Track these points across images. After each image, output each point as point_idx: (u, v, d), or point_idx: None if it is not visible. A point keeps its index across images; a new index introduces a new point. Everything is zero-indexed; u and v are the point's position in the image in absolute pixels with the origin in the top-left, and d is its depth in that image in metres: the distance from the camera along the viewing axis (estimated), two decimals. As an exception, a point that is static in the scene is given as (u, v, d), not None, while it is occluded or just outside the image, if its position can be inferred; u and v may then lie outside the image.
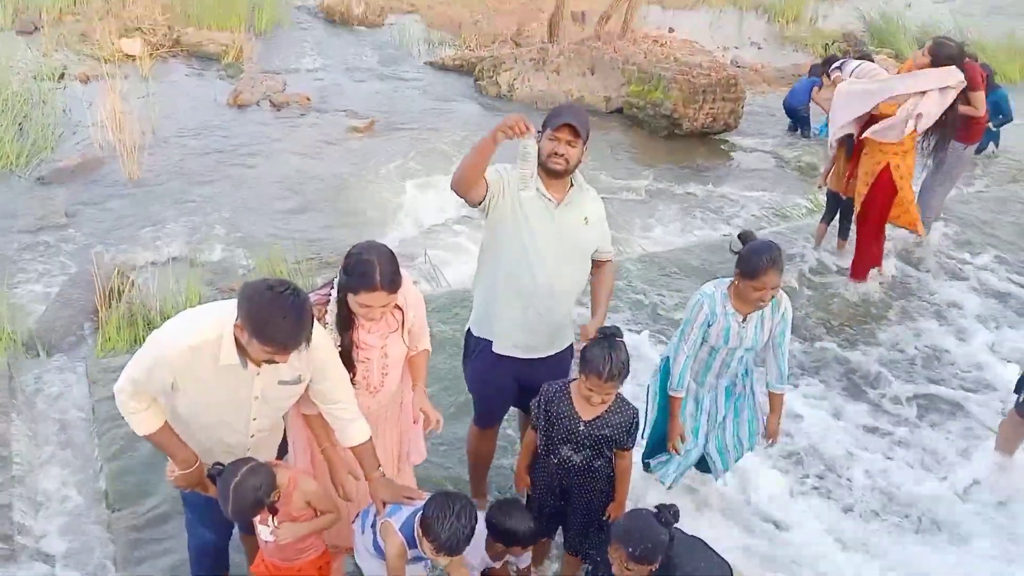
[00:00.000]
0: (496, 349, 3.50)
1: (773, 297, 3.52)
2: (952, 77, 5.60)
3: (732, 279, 3.58)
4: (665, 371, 3.79)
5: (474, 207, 3.33)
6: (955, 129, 6.03)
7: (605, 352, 3.12)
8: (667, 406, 3.82)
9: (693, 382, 3.82)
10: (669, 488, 3.93)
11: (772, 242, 3.51)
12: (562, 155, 3.26)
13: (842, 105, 5.91)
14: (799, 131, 10.20)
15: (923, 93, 5.61)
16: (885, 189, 5.88)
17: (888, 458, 4.70)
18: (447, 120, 9.95)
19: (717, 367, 3.75)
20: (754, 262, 3.42)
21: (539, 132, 3.30)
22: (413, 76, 11.48)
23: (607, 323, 3.32)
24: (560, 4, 11.35)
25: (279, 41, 12.35)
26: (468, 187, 3.23)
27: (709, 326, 3.61)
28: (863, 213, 6.05)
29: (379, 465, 3.07)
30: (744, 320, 3.59)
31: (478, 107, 10.46)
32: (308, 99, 10.19)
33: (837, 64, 8.99)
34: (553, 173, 3.29)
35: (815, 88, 9.86)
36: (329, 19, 13.50)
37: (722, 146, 9.90)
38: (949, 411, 5.13)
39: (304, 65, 11.54)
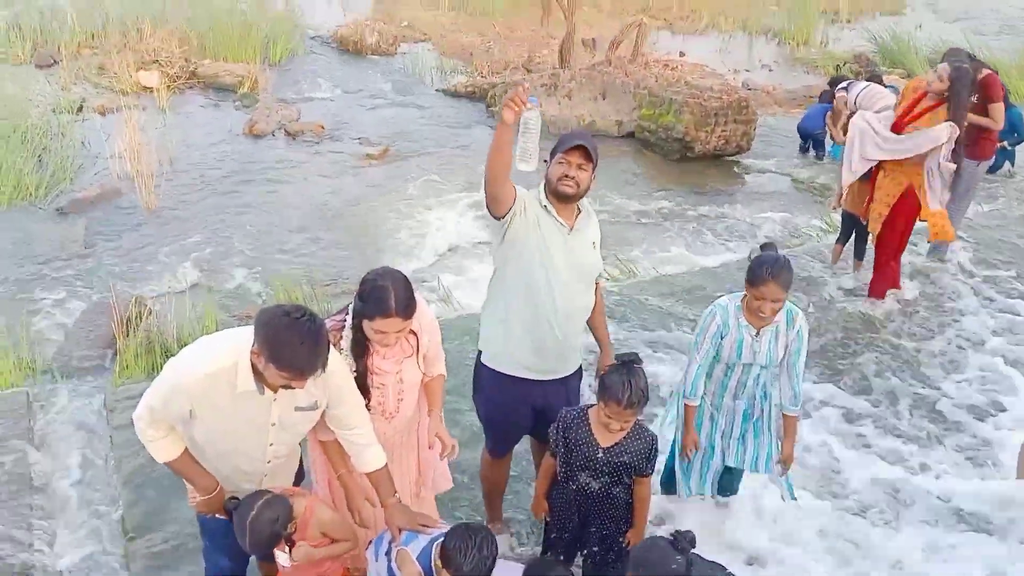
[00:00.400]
0: (510, 371, 3.47)
1: (775, 312, 3.50)
2: (949, 132, 5.53)
3: (744, 295, 3.59)
4: (682, 395, 3.79)
5: (497, 218, 3.27)
6: (965, 146, 5.97)
7: (624, 379, 3.10)
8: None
9: (710, 404, 3.81)
10: (688, 497, 3.94)
11: (782, 257, 3.51)
12: (573, 178, 3.25)
13: (856, 148, 5.85)
14: (813, 153, 10.19)
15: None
16: (907, 209, 5.84)
17: (909, 473, 4.64)
18: (460, 146, 10.02)
19: (733, 386, 3.73)
20: (755, 271, 3.47)
21: (547, 160, 3.31)
22: (426, 103, 11.58)
23: (623, 349, 3.32)
24: (571, 30, 11.43)
25: (293, 71, 12.49)
26: (497, 182, 3.13)
27: (722, 338, 3.60)
28: (883, 233, 5.99)
29: (395, 491, 3.06)
30: (758, 334, 3.57)
31: (490, 132, 10.46)
32: (322, 127, 10.28)
33: (843, 85, 9.01)
34: (564, 197, 3.29)
35: (828, 113, 9.88)
36: (343, 49, 13.65)
37: (735, 168, 9.91)
38: (969, 431, 5.07)
39: (318, 94, 11.66)
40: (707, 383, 3.76)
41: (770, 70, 14.25)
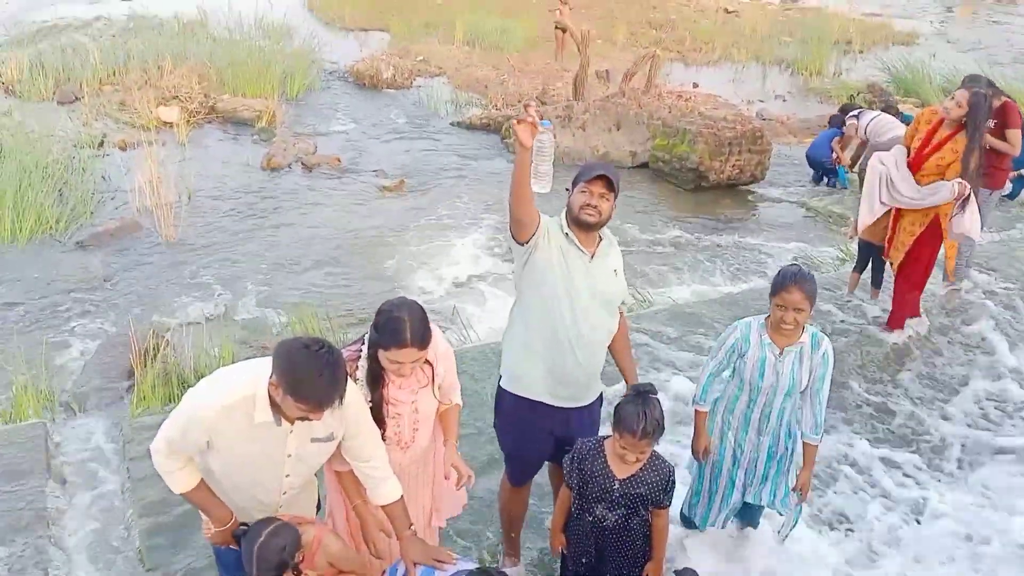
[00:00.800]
0: (530, 395, 3.46)
1: (798, 325, 3.45)
2: (958, 189, 5.51)
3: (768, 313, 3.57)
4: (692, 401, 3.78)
5: (520, 243, 3.30)
6: (980, 176, 5.94)
7: (639, 409, 3.08)
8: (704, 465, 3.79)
9: (732, 441, 3.75)
10: (704, 529, 3.88)
11: (809, 271, 3.51)
12: (595, 207, 3.27)
13: (876, 192, 5.80)
14: (825, 182, 10.18)
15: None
16: (932, 240, 5.78)
17: (932, 513, 4.56)
18: (475, 177, 10.09)
19: (756, 419, 3.67)
20: (780, 277, 3.46)
21: (570, 187, 3.34)
22: (441, 136, 11.68)
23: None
24: (584, 63, 11.54)
25: (310, 105, 12.66)
26: (521, 207, 3.17)
27: (741, 356, 3.56)
28: (906, 264, 5.91)
29: (411, 524, 3.04)
30: (781, 354, 3.53)
31: (505, 164, 10.60)
32: (339, 160, 10.39)
33: (854, 113, 9.03)
34: (585, 226, 3.30)
35: (836, 139, 9.89)
36: (359, 83, 13.83)
37: (749, 197, 9.91)
38: (990, 461, 4.99)
39: (335, 128, 11.80)
40: (729, 417, 3.72)
41: (784, 100, 14.30)
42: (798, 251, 8.29)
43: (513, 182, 3.12)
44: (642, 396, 3.13)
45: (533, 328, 3.40)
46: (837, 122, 9.93)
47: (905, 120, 8.49)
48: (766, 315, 3.60)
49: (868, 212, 5.85)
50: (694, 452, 3.80)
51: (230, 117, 11.73)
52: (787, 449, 3.76)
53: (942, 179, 5.53)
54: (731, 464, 3.80)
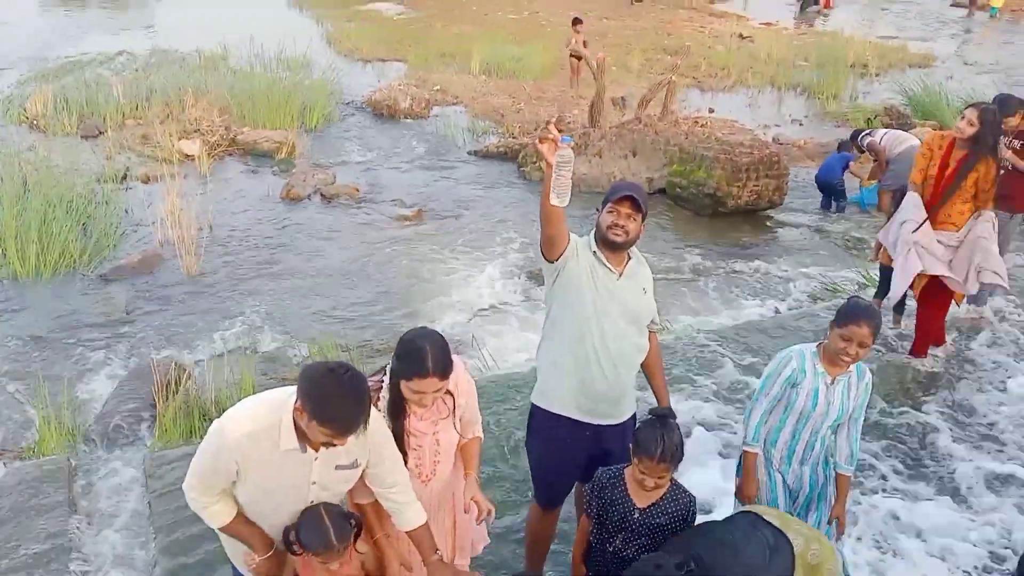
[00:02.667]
0: (560, 410, 3.50)
1: (858, 358, 3.44)
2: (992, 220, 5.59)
3: (820, 341, 3.55)
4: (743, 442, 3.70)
5: (550, 261, 3.38)
6: (998, 198, 5.90)
7: (657, 433, 3.08)
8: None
9: (777, 471, 3.69)
10: None
11: (875, 307, 3.50)
12: (622, 227, 3.34)
13: (902, 266, 5.77)
14: (834, 207, 10.12)
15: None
16: None
17: (970, 544, 4.49)
18: (493, 205, 10.13)
19: (801, 450, 3.61)
20: (849, 309, 3.43)
21: (598, 208, 3.39)
22: (458, 164, 11.76)
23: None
24: (600, 90, 11.60)
25: (329, 136, 12.79)
26: (552, 225, 3.26)
27: (794, 385, 3.52)
28: (929, 288, 5.84)
29: (437, 548, 3.04)
30: (832, 382, 3.51)
31: (522, 191, 10.64)
32: (357, 190, 10.47)
33: (866, 132, 9.04)
34: (613, 245, 3.37)
35: (851, 163, 9.88)
36: (376, 113, 13.96)
37: (767, 223, 9.88)
38: (1017, 491, 4.91)
39: (353, 158, 11.90)
40: (771, 450, 3.67)
41: (800, 124, 14.29)
42: (819, 276, 8.25)
43: (543, 201, 3.19)
44: (661, 420, 3.13)
45: (562, 344, 3.45)
46: (846, 147, 9.92)
47: None
48: (817, 343, 3.59)
49: (902, 277, 5.78)
50: (741, 496, 3.70)
51: (250, 149, 11.87)
52: (826, 478, 3.71)
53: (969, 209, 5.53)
54: (785, 497, 3.71)
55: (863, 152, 9.70)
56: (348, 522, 2.89)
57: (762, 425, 3.60)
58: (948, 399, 5.77)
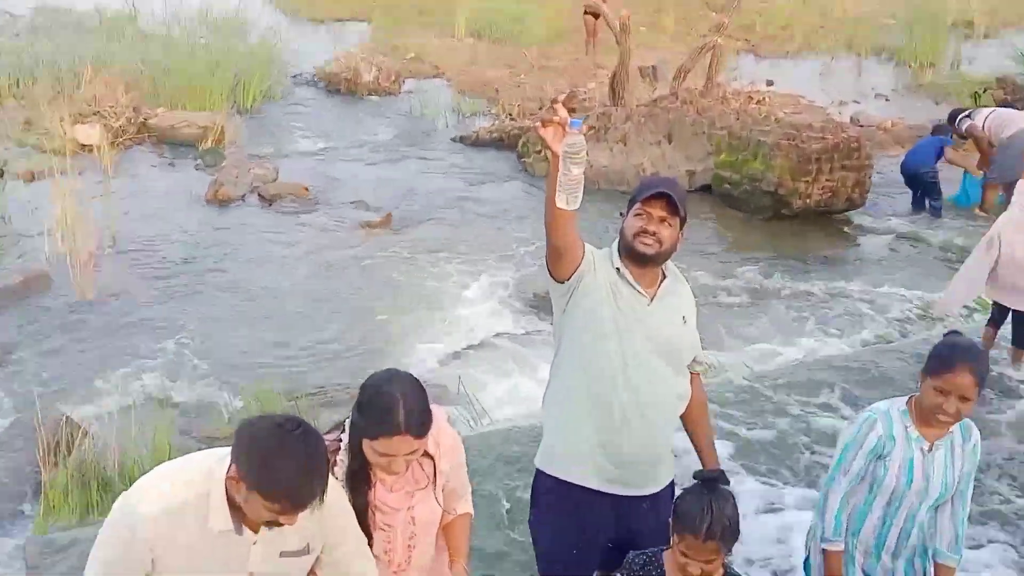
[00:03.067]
0: (574, 478, 3.45)
1: (960, 415, 3.36)
2: None
3: (911, 395, 3.52)
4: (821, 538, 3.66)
5: (559, 282, 3.33)
6: None
7: (704, 502, 3.06)
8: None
9: (861, 568, 3.67)
10: None
11: (977, 344, 3.46)
12: (653, 234, 3.28)
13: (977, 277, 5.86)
14: (926, 204, 10.16)
15: None
16: None
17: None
18: (485, 209, 10.15)
19: (894, 540, 3.58)
20: (943, 353, 3.33)
21: (623, 213, 3.37)
22: (440, 155, 11.81)
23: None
24: (624, 58, 11.67)
25: (270, 119, 12.85)
26: (559, 233, 3.18)
27: (881, 457, 3.48)
28: None
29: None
30: (930, 449, 3.47)
31: (523, 190, 10.68)
32: (307, 190, 10.50)
33: (964, 115, 9.10)
34: (641, 258, 3.31)
35: (947, 148, 9.93)
36: (332, 89, 14.05)
37: (845, 228, 9.91)
38: None
39: (301, 147, 11.96)
40: (853, 540, 3.64)
41: (886, 100, 14.40)
42: (913, 298, 8.26)
43: (547, 202, 3.14)
44: (708, 485, 3.11)
45: (577, 392, 3.41)
46: (943, 131, 9.99)
47: None
48: (905, 398, 3.53)
49: (965, 291, 5.85)
50: None
51: (167, 137, 11.91)
52: (924, 572, 3.67)
53: None
54: None
55: (964, 138, 9.78)
56: None
57: (843, 512, 3.57)
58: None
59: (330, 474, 2.77)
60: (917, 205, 10.27)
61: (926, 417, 3.40)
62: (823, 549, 3.59)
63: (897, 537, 3.56)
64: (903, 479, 3.44)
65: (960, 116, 8.86)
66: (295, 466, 2.55)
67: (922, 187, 10.15)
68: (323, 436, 3.04)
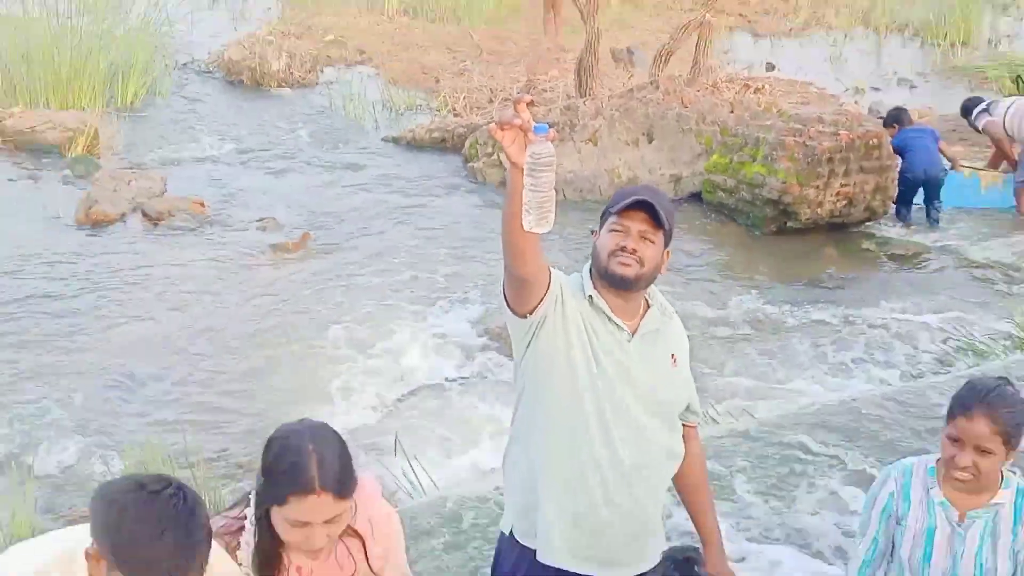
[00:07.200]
0: (547, 557, 3.43)
1: (979, 471, 3.30)
2: None
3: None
4: None
5: (521, 317, 3.30)
6: None
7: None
8: None
9: None
10: None
11: (1011, 388, 3.39)
12: (632, 252, 3.29)
13: None
14: (933, 213, 10.25)
15: None
16: None
17: None
18: (425, 225, 10.15)
19: None
20: (962, 394, 3.32)
21: (594, 229, 3.38)
22: (368, 159, 11.81)
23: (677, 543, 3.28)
24: (593, 39, 11.73)
25: (155, 119, 12.79)
26: (519, 258, 3.15)
27: (898, 520, 3.48)
28: None
29: None
30: (962, 521, 3.44)
31: (472, 202, 10.69)
32: (202, 205, 10.44)
33: (982, 108, 9.28)
34: (619, 283, 3.31)
35: (941, 142, 10.07)
36: (233, 80, 14.02)
37: (864, 244, 10.01)
38: None
39: (195, 153, 11.90)
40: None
41: (912, 86, 14.62)
42: (950, 328, 8.33)
43: (504, 222, 3.11)
44: (685, 566, 3.13)
45: (544, 452, 3.40)
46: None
47: None
48: (935, 457, 3.50)
49: None
50: None
51: (25, 142, 11.81)
52: None
53: None
54: None
55: (981, 132, 9.95)
56: None
57: None
58: None
59: (219, 548, 2.74)
60: (903, 216, 10.39)
61: (949, 476, 3.36)
62: None
63: None
64: (919, 547, 3.42)
65: (976, 110, 8.99)
66: (162, 535, 2.52)
67: (933, 192, 10.23)
68: (220, 515, 3.02)
